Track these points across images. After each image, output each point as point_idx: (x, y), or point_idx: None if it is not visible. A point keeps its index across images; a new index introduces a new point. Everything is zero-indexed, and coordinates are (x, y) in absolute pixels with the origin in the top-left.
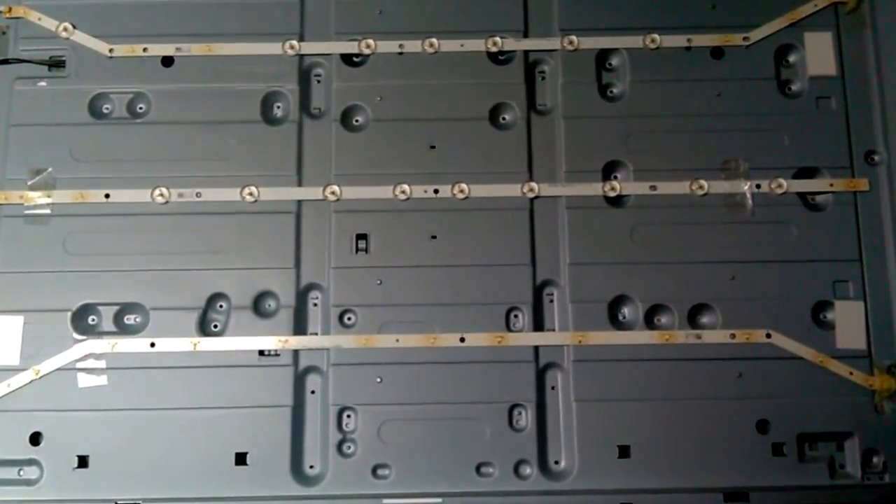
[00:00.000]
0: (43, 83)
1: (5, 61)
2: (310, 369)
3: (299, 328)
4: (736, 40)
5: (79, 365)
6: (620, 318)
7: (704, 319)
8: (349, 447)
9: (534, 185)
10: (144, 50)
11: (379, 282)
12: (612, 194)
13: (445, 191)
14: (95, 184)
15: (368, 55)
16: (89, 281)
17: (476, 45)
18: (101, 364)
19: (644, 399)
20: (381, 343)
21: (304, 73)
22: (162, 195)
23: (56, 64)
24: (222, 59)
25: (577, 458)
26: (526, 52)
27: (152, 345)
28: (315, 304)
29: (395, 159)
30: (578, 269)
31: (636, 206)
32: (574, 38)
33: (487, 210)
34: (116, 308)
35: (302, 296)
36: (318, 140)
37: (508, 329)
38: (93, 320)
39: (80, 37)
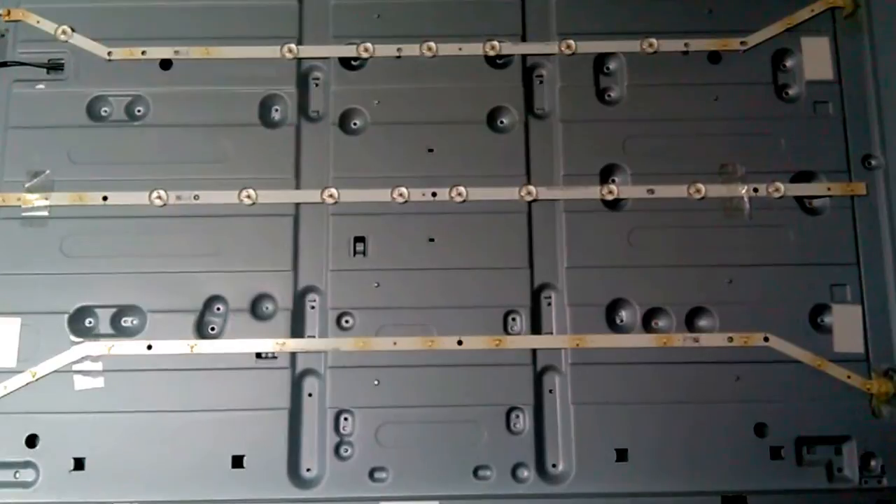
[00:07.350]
0: (41, 86)
1: (4, 64)
2: (307, 372)
3: (297, 331)
4: (733, 45)
5: (75, 367)
6: (618, 321)
7: (702, 323)
8: (346, 450)
9: (532, 188)
10: (143, 53)
11: (377, 284)
12: (609, 198)
13: (443, 194)
14: (93, 186)
15: (367, 59)
16: (86, 283)
17: (474, 48)
18: (98, 366)
19: (642, 402)
20: (379, 346)
21: (303, 76)
22: (160, 198)
23: (55, 66)
24: (221, 63)
25: (575, 462)
26: (524, 56)
27: (149, 347)
28: (312, 307)
29: (392, 162)
30: (576, 272)
31: (634, 210)
32: (572, 42)
33: (485, 213)
34: (113, 310)
35: (299, 298)
36: (316, 143)
37: (506, 332)
38: (90, 322)
39: (78, 40)
